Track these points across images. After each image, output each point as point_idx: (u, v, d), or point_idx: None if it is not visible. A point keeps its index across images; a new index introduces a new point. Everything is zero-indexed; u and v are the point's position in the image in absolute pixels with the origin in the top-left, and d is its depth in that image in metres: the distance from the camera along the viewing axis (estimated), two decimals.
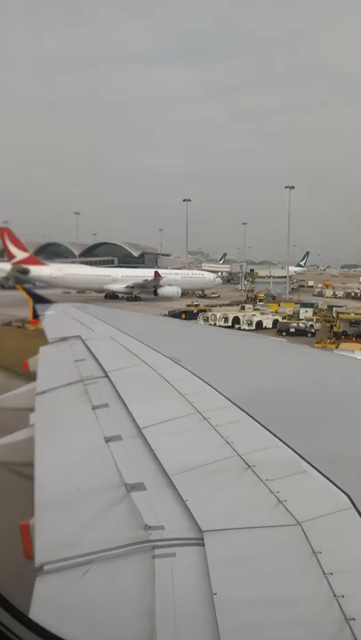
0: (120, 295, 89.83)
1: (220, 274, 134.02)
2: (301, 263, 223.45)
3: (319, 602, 2.43)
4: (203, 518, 3.14)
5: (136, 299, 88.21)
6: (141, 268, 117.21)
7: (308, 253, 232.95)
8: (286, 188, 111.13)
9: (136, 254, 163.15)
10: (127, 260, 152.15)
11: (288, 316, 62.95)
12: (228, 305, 77.17)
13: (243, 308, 70.45)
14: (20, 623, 2.14)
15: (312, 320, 56.31)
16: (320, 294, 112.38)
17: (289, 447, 4.08)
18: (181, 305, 75.09)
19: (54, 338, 11.06)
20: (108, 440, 4.69)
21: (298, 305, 71.50)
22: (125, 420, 5.18)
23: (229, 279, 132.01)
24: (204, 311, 62.02)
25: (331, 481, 3.48)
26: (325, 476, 3.55)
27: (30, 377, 8.80)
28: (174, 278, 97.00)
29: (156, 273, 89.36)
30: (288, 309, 68.53)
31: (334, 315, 59.50)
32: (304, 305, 70.93)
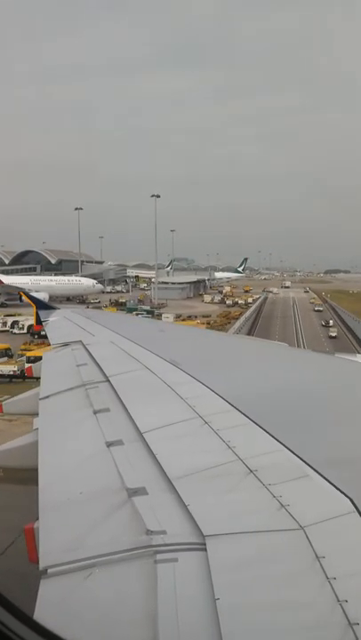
0: None
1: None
2: (239, 269, 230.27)
3: (322, 607, 2.42)
4: (205, 523, 3.13)
5: (3, 305, 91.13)
6: (60, 274, 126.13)
7: (245, 260, 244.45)
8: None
9: (53, 261, 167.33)
10: (47, 267, 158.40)
11: None
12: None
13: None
14: (25, 625, 2.14)
15: None
16: (202, 301, 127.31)
17: (291, 451, 4.07)
18: None
19: (57, 343, 11.17)
20: (109, 445, 4.70)
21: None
22: (126, 425, 5.18)
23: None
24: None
25: (333, 485, 3.47)
26: (328, 480, 3.54)
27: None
28: (48, 285, 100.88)
29: None
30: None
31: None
32: (129, 309, 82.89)
